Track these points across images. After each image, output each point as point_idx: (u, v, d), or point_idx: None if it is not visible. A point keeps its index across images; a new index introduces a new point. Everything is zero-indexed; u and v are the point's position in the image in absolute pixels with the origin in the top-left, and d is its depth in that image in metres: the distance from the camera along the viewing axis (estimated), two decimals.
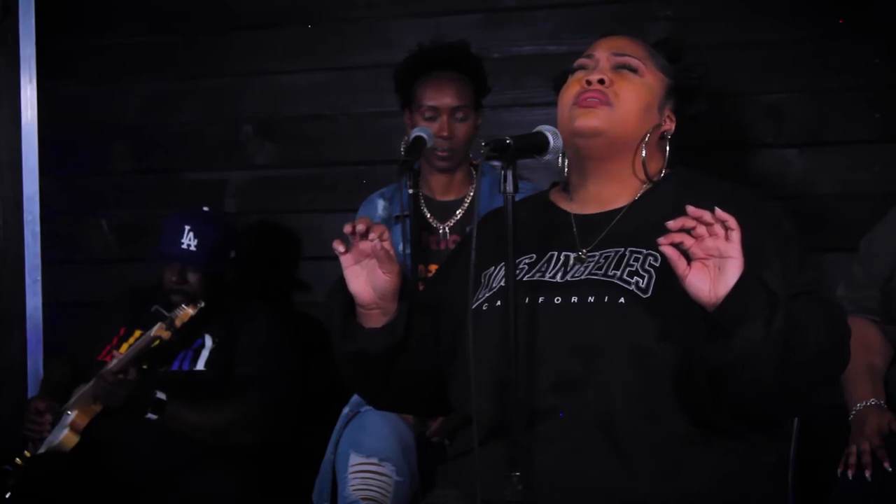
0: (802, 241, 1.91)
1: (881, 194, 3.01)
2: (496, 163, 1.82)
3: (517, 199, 1.79)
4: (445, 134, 2.89)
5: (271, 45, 3.65)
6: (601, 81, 1.94)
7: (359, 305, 1.91)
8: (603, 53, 1.99)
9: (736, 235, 1.64)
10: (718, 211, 1.64)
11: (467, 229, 2.86)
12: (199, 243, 3.10)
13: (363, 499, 2.63)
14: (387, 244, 1.85)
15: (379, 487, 2.65)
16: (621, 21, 3.27)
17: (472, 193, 2.97)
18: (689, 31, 3.24)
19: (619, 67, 1.97)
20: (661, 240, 1.65)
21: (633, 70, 1.97)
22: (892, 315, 2.58)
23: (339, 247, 1.87)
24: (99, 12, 3.79)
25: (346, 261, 1.88)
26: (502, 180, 1.77)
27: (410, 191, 2.79)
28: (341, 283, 1.90)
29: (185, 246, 3.10)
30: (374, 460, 2.68)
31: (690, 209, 1.65)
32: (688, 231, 1.65)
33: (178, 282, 3.10)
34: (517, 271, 1.92)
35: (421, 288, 2.76)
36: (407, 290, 1.93)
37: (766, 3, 3.23)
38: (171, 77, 3.75)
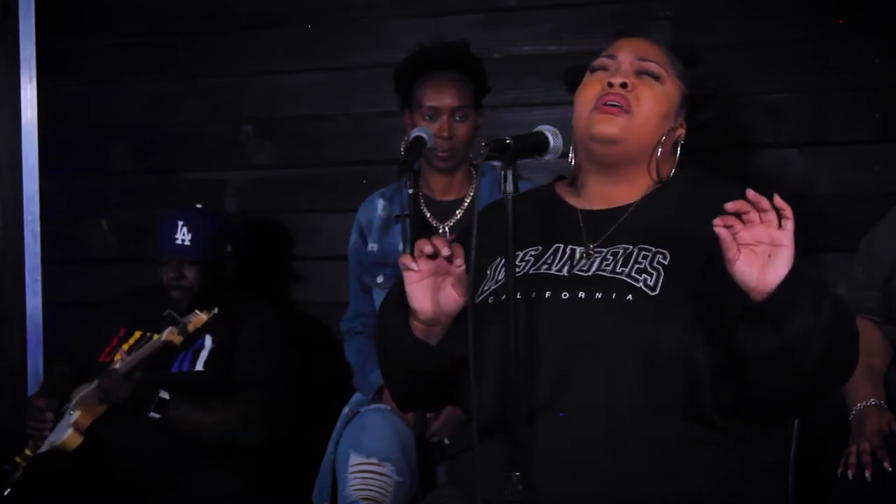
0: (803, 243, 1.91)
1: (881, 194, 3.01)
2: (496, 163, 1.82)
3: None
4: (445, 134, 2.89)
5: (271, 45, 3.65)
6: (623, 85, 1.92)
7: (418, 321, 1.86)
8: (626, 56, 1.98)
9: (790, 225, 1.62)
10: (777, 198, 1.62)
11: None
12: (192, 237, 3.12)
13: (363, 499, 2.63)
14: (463, 267, 1.82)
15: (379, 487, 2.65)
16: (621, 21, 3.26)
17: (472, 193, 2.97)
18: (689, 31, 3.24)
19: (642, 73, 1.96)
20: (716, 221, 1.62)
21: (656, 77, 1.96)
22: (892, 315, 2.58)
23: (412, 264, 1.81)
24: (99, 12, 3.80)
25: (412, 276, 1.82)
26: (502, 180, 1.77)
27: (410, 191, 2.78)
28: (399, 299, 1.86)
29: (179, 241, 3.11)
30: (374, 460, 2.68)
31: (750, 193, 1.62)
32: (738, 216, 1.63)
33: (175, 277, 3.11)
34: (522, 263, 1.92)
35: None
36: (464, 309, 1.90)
37: (766, 3, 3.23)
38: (171, 77, 3.75)
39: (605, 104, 1.91)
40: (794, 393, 1.75)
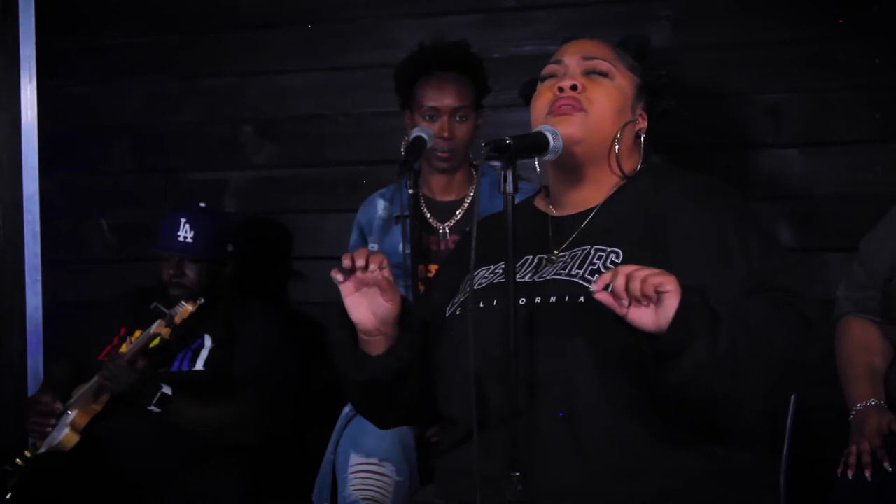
0: (766, 231, 1.91)
1: (881, 194, 3.01)
2: (496, 163, 1.82)
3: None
4: (446, 134, 2.89)
5: (271, 45, 3.65)
6: (574, 88, 1.94)
7: (361, 333, 1.92)
8: (572, 59, 2.00)
9: (650, 276, 1.63)
10: (607, 278, 1.66)
11: (466, 229, 2.86)
12: (195, 235, 3.13)
13: (363, 499, 2.63)
14: (386, 272, 1.86)
15: (379, 487, 2.65)
16: (621, 21, 3.27)
17: (472, 193, 2.97)
18: (689, 31, 3.25)
19: (590, 72, 1.98)
20: (593, 287, 1.67)
21: (604, 74, 1.98)
22: (892, 315, 2.58)
23: (337, 276, 1.87)
24: (99, 12, 3.80)
25: (345, 290, 1.89)
26: (502, 180, 1.77)
27: (410, 191, 2.79)
28: (342, 314, 1.91)
29: (181, 238, 3.12)
30: (374, 460, 2.68)
31: (594, 287, 1.67)
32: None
33: (176, 275, 3.11)
34: (490, 275, 1.94)
35: (421, 289, 2.77)
36: (407, 313, 1.94)
37: (766, 3, 3.23)
38: (172, 77, 3.75)
39: (560, 107, 1.92)
40: (721, 409, 1.74)
